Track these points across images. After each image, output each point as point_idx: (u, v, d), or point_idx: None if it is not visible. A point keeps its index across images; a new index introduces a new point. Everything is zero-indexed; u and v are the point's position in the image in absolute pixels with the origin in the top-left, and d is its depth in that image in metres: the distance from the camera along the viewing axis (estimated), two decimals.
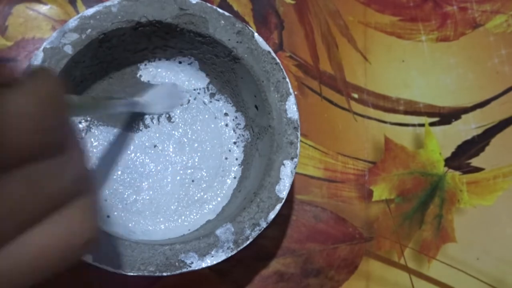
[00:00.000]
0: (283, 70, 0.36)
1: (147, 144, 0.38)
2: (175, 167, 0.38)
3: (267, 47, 0.37)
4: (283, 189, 0.34)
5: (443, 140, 0.43)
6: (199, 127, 0.39)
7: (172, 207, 0.37)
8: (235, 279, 0.38)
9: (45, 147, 0.17)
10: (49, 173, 0.18)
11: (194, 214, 0.37)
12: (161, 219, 0.37)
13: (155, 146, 0.38)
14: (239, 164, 0.39)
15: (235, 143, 0.39)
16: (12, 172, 0.17)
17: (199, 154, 0.38)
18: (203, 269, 0.32)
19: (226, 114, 0.40)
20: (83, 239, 0.19)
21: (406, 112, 0.44)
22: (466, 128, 0.44)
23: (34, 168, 0.17)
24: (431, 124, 0.44)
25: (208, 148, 0.39)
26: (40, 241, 0.18)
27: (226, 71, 0.38)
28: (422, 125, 0.44)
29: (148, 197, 0.37)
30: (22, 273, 0.18)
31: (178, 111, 0.39)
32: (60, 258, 0.18)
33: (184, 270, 0.32)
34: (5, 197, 0.17)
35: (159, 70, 0.40)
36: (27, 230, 0.18)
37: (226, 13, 0.37)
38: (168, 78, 0.39)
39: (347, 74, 0.44)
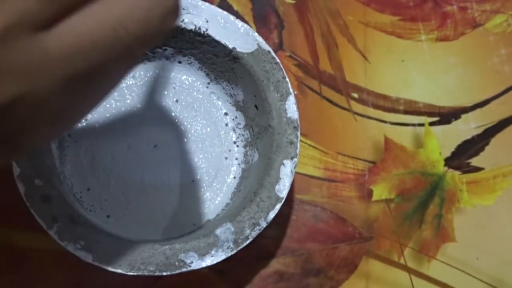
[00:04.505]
0: (283, 69, 0.36)
1: (147, 144, 0.38)
2: (175, 167, 0.38)
3: (267, 47, 0.37)
4: (283, 189, 0.34)
5: (443, 140, 0.43)
6: (198, 127, 0.39)
7: (172, 206, 0.37)
8: (235, 279, 0.38)
9: None
10: None
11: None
12: (161, 219, 0.37)
13: (155, 146, 0.38)
14: (239, 164, 0.39)
15: (235, 142, 0.39)
16: None
17: (199, 154, 0.38)
18: (203, 268, 0.32)
19: (226, 114, 0.40)
20: (164, 7, 0.15)
21: (406, 112, 0.44)
22: (466, 127, 0.44)
23: None
24: (431, 123, 0.44)
25: (208, 148, 0.39)
26: (112, 9, 0.14)
27: (226, 71, 0.38)
28: (422, 124, 0.44)
29: (148, 197, 0.37)
30: (96, 45, 0.14)
31: (178, 111, 0.39)
32: (138, 32, 0.14)
33: (184, 269, 0.32)
34: None
35: (159, 70, 0.40)
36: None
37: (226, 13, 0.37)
38: (168, 78, 0.39)
39: (347, 74, 0.44)
